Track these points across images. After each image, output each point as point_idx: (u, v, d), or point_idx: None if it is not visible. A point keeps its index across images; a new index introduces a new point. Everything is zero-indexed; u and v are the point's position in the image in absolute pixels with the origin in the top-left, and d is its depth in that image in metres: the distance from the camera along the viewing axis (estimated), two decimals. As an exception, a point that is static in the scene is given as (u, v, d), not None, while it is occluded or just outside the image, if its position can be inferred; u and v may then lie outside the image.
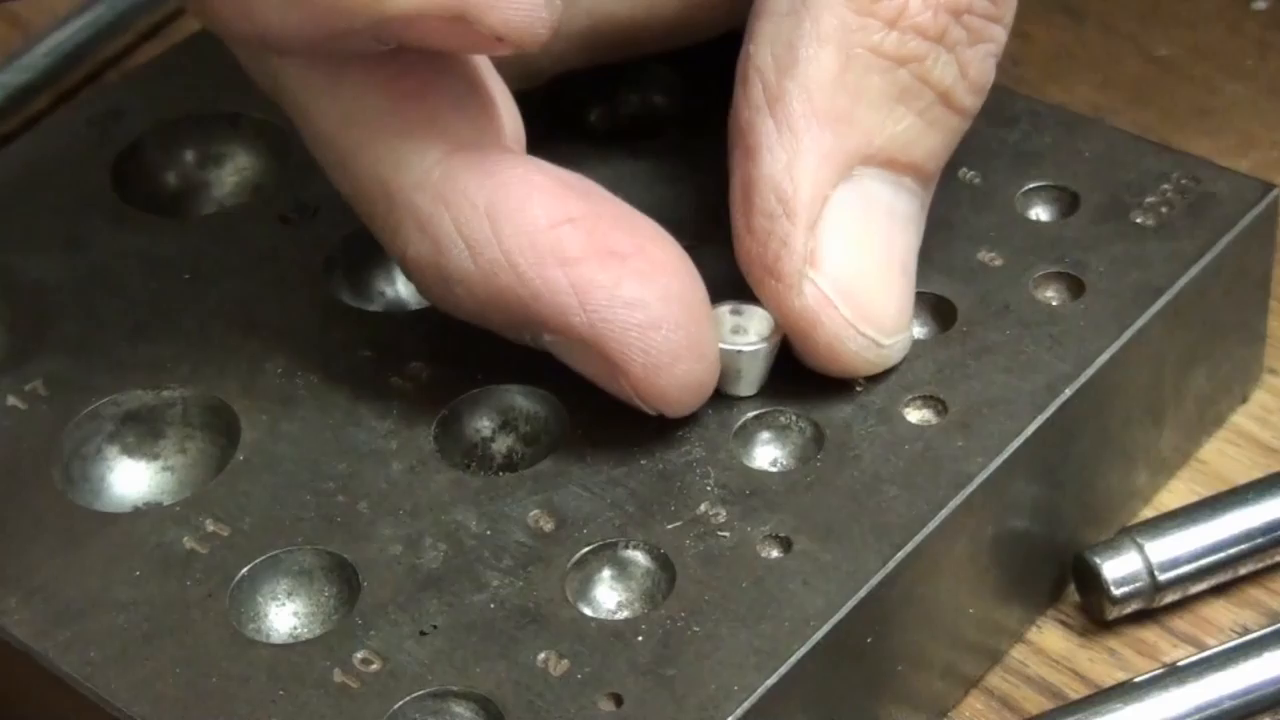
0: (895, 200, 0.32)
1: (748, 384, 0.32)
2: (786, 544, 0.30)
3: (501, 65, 0.33)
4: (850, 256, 0.32)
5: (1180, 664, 0.32)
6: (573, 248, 0.31)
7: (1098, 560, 0.34)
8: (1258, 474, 0.36)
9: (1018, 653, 0.34)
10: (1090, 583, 0.34)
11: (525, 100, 0.34)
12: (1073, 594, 0.35)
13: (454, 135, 0.31)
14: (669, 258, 0.31)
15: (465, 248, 0.31)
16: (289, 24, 0.29)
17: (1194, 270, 0.34)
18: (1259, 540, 0.34)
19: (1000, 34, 0.33)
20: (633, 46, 0.37)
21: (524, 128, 0.33)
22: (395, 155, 0.31)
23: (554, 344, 0.31)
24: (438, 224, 0.31)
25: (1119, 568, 0.33)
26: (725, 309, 0.32)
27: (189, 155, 0.39)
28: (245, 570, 0.31)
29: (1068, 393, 0.32)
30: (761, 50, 0.32)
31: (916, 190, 0.33)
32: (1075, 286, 0.34)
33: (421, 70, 0.31)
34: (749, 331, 0.32)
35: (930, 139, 0.33)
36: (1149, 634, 0.34)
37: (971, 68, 0.33)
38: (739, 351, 0.32)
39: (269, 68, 0.32)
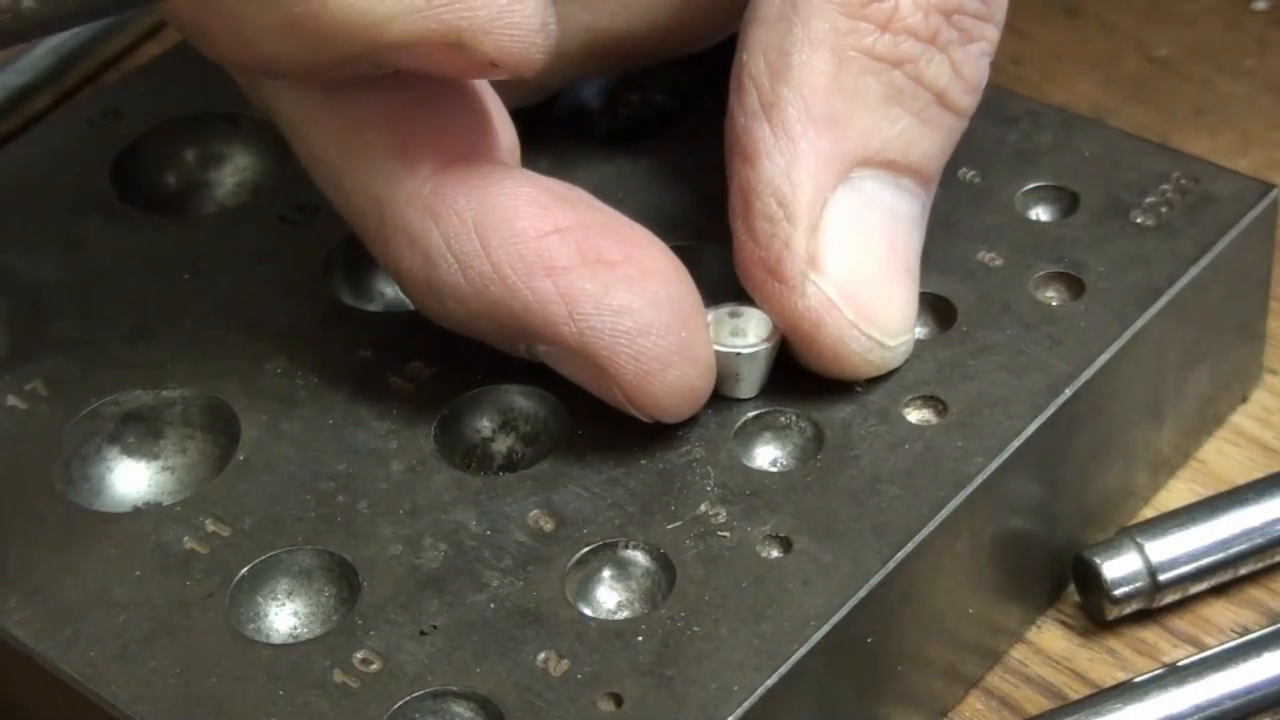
0: (896, 202, 0.32)
1: (747, 386, 0.32)
2: (786, 544, 0.30)
3: (504, 85, 0.33)
4: (852, 258, 0.32)
5: (1180, 664, 0.32)
6: (561, 258, 0.30)
7: (1097, 560, 0.33)
8: (1258, 474, 0.36)
9: (1018, 653, 0.34)
10: (1090, 583, 0.34)
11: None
12: (1073, 594, 0.35)
13: (446, 151, 0.31)
14: (659, 263, 0.31)
15: (455, 261, 0.31)
16: (286, 52, 0.29)
17: (1194, 270, 0.34)
18: (1259, 540, 0.34)
19: (992, 33, 0.33)
20: (631, 59, 0.37)
21: (521, 137, 0.33)
22: (387, 172, 0.31)
23: (548, 355, 0.31)
24: (427, 239, 0.31)
25: (1119, 568, 0.33)
26: (724, 311, 0.32)
27: (189, 155, 0.39)
28: (245, 570, 0.31)
29: (1068, 393, 0.32)
30: (754, 57, 0.32)
31: (917, 192, 0.33)
32: (1075, 286, 0.34)
33: (414, 88, 0.31)
34: (748, 334, 0.32)
35: (928, 140, 0.33)
36: (1149, 634, 0.34)
37: (965, 67, 0.33)
38: (738, 354, 0.32)
39: (263, 85, 0.32)
